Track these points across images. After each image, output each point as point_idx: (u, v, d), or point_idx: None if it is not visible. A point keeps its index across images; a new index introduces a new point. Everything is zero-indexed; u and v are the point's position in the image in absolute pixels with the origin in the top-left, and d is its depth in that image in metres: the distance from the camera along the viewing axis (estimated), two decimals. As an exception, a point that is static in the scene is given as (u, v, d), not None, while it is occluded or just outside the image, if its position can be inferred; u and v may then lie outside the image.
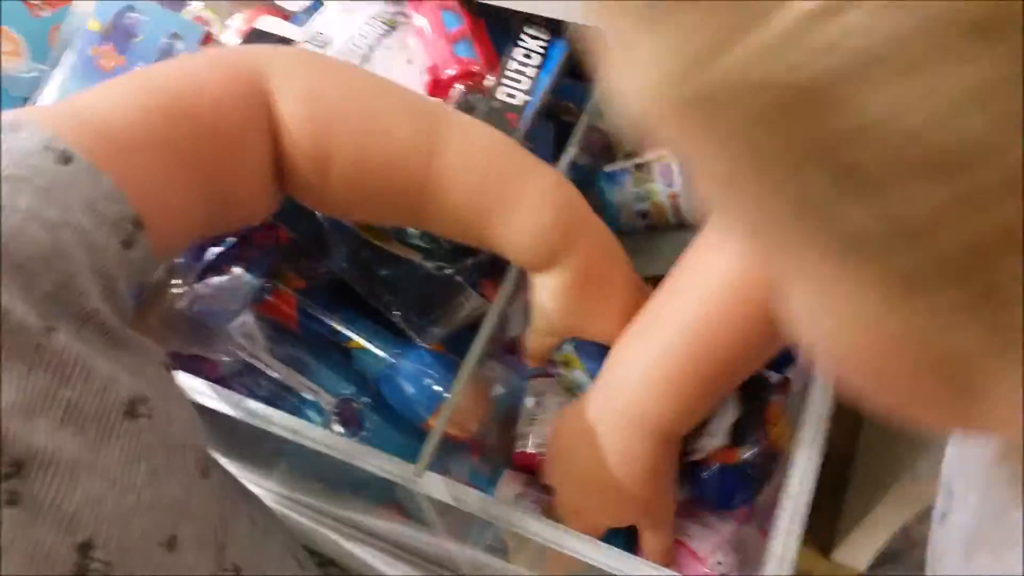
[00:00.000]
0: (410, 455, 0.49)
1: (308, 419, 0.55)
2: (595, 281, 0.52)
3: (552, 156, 0.57)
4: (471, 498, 0.48)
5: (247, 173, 0.45)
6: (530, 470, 0.58)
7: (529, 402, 0.59)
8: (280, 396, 0.58)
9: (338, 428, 0.57)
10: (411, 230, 0.56)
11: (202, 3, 0.62)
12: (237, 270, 0.53)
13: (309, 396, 0.58)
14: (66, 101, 0.43)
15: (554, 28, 0.64)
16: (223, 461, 0.47)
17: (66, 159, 0.37)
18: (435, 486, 0.49)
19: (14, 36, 0.66)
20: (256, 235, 0.55)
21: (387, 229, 0.56)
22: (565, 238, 0.50)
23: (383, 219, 0.54)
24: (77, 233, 0.37)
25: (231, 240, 0.54)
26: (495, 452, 0.61)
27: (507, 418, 0.61)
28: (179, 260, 0.54)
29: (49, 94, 0.59)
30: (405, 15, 0.63)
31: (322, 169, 0.46)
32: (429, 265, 0.55)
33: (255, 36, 0.59)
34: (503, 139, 0.51)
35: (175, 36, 0.60)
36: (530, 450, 0.58)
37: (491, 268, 0.56)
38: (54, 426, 0.34)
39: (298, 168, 0.46)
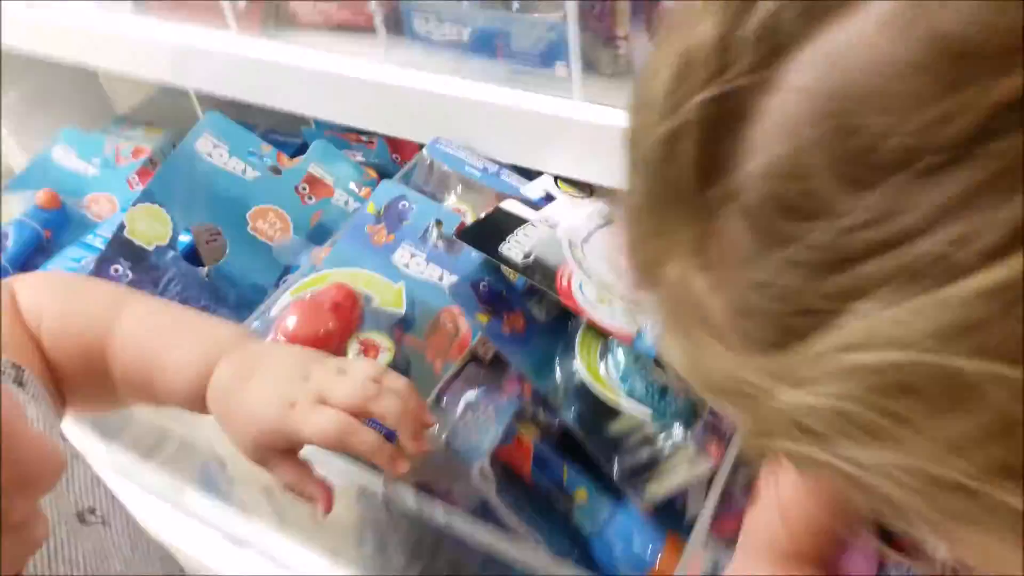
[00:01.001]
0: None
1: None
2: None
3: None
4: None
5: None
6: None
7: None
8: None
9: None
10: (638, 386, 0.62)
11: (456, 198, 0.74)
12: (491, 411, 0.60)
13: (530, 545, 0.61)
14: None
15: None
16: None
17: None
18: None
19: (285, 216, 0.79)
20: (507, 383, 0.62)
21: (616, 385, 0.62)
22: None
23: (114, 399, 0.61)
24: None
25: (483, 385, 0.61)
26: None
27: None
28: (438, 402, 0.60)
29: (330, 257, 0.69)
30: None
31: (46, 355, 0.57)
32: (656, 425, 0.61)
33: (500, 214, 0.69)
34: (179, 308, 0.63)
35: (438, 222, 0.71)
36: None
37: (718, 431, 0.61)
38: None
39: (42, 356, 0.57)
